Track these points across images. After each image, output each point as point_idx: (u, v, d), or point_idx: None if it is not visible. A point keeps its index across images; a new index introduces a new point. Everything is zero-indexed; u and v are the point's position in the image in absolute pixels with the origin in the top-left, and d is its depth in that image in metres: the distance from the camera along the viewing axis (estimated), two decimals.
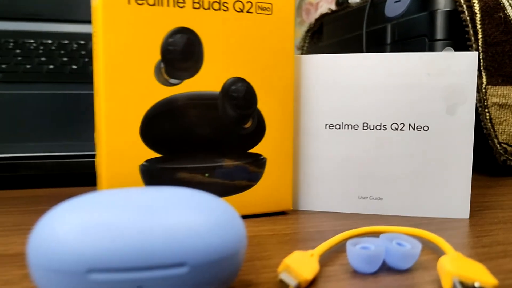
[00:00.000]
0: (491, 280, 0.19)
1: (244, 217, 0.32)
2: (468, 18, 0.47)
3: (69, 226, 0.16)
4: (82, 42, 0.62)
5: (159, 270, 0.16)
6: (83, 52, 0.60)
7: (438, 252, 0.25)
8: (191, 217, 0.17)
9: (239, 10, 0.30)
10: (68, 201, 0.18)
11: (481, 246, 0.26)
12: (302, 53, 0.75)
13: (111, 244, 0.16)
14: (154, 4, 0.28)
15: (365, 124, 0.33)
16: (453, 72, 0.32)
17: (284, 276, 0.20)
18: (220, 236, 0.17)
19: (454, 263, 0.20)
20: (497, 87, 0.48)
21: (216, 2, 0.29)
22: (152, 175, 0.29)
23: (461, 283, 0.19)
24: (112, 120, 0.28)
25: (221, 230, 0.17)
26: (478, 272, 0.19)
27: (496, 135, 0.48)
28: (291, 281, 0.20)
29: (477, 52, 0.32)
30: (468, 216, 0.32)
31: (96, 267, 0.16)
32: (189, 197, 0.18)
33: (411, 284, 0.21)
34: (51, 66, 0.55)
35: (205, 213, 0.17)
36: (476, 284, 0.18)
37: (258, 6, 0.30)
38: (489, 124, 0.48)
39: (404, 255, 0.22)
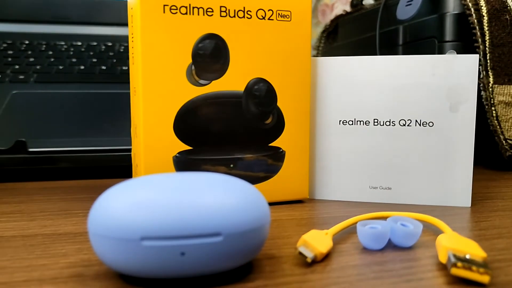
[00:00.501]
0: (481, 253, 0.22)
1: None
2: (475, 20, 0.49)
3: (125, 201, 0.20)
4: (110, 44, 0.66)
5: (198, 239, 0.19)
6: (111, 54, 0.63)
7: (438, 233, 0.28)
8: (225, 195, 0.20)
9: (261, 17, 0.33)
10: (121, 183, 0.21)
11: (478, 229, 0.29)
12: (317, 53, 0.77)
13: (159, 216, 0.19)
14: (186, 13, 0.31)
15: (375, 120, 0.36)
16: (456, 73, 0.35)
17: (302, 249, 0.23)
18: (249, 211, 0.20)
19: (450, 239, 0.23)
20: (504, 86, 0.50)
21: (240, 10, 0.32)
22: (184, 165, 0.32)
23: (455, 255, 0.22)
24: (149, 116, 0.31)
25: (249, 206, 0.20)
26: (470, 247, 0.22)
27: (502, 132, 0.50)
28: (308, 253, 0.23)
29: (478, 55, 0.34)
30: (469, 205, 0.35)
31: (148, 235, 0.19)
32: (222, 180, 0.21)
33: (413, 258, 0.24)
34: (82, 67, 0.59)
35: (236, 192, 0.21)
36: (467, 256, 0.21)
37: (279, 14, 0.33)
38: (495, 122, 0.50)
39: (407, 234, 0.25)
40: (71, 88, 0.54)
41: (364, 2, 0.68)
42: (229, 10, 0.32)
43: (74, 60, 0.60)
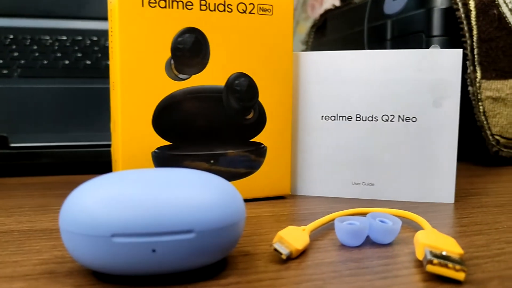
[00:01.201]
0: (458, 250, 0.22)
1: (246, 200, 0.35)
2: (463, 15, 0.49)
3: (96, 198, 0.19)
4: (95, 38, 0.65)
5: (170, 236, 0.19)
6: (96, 48, 0.63)
7: (418, 230, 0.28)
8: (198, 192, 0.20)
9: (242, 11, 0.33)
10: (94, 178, 0.21)
11: (459, 226, 0.29)
12: (307, 48, 0.77)
13: (131, 213, 0.19)
14: (165, 7, 0.31)
15: (358, 116, 0.36)
16: (440, 68, 0.34)
17: (277, 246, 0.23)
18: (222, 208, 0.20)
19: (427, 236, 0.23)
20: (491, 81, 0.50)
21: (221, 4, 0.32)
22: (163, 161, 0.32)
23: (431, 252, 0.21)
24: (128, 111, 0.31)
25: (223, 203, 0.20)
26: (447, 243, 0.22)
27: (489, 127, 0.50)
28: (283, 250, 0.23)
29: (462, 50, 0.34)
30: (453, 201, 0.35)
31: (118, 232, 0.19)
32: (196, 176, 0.21)
33: (391, 255, 0.24)
34: (67, 62, 0.58)
35: (210, 189, 0.20)
36: (444, 253, 0.21)
37: (260, 8, 0.33)
38: (483, 117, 0.50)
39: (385, 231, 0.25)
40: (55, 83, 0.54)
41: None
42: (209, 3, 0.32)
43: (58, 54, 0.60)
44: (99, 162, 0.45)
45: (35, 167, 0.46)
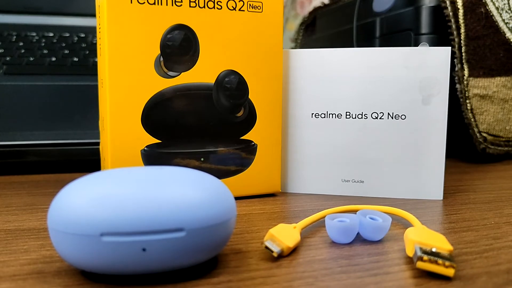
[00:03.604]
0: (447, 246, 0.22)
1: (237, 198, 0.35)
2: (451, 13, 0.49)
3: (85, 196, 0.19)
4: (82, 35, 0.64)
5: (160, 234, 0.19)
6: (83, 45, 0.62)
7: (408, 227, 0.28)
8: (188, 190, 0.20)
9: (231, 8, 0.32)
10: (82, 177, 0.21)
11: (448, 222, 0.29)
12: (296, 46, 0.77)
13: (120, 211, 0.19)
14: (154, 3, 0.30)
15: (348, 113, 0.36)
16: (428, 65, 0.34)
17: (268, 244, 0.23)
18: (212, 206, 0.20)
19: (417, 233, 0.23)
20: (478, 79, 0.50)
21: (210, 1, 0.32)
22: (152, 159, 0.32)
23: (421, 248, 0.21)
24: (116, 109, 0.30)
25: (213, 201, 0.20)
26: (437, 240, 0.22)
27: (476, 125, 0.51)
28: (274, 248, 0.22)
29: (450, 48, 0.34)
30: (441, 198, 0.35)
31: (108, 231, 0.19)
32: (186, 174, 0.21)
33: (381, 252, 0.24)
34: (53, 59, 0.58)
35: (200, 187, 0.20)
36: (433, 249, 0.21)
37: (250, 5, 0.33)
38: (470, 114, 0.50)
39: (376, 228, 0.25)
40: (42, 80, 0.53)
41: None
42: (198, 0, 0.31)
43: (45, 51, 0.59)
44: (87, 161, 0.44)
45: (22, 165, 0.45)
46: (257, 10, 0.33)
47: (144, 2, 0.30)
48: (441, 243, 0.22)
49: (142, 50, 0.30)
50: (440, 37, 0.50)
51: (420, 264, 0.21)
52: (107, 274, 0.20)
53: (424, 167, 0.35)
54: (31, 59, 0.57)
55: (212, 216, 0.20)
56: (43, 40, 0.62)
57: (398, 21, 0.53)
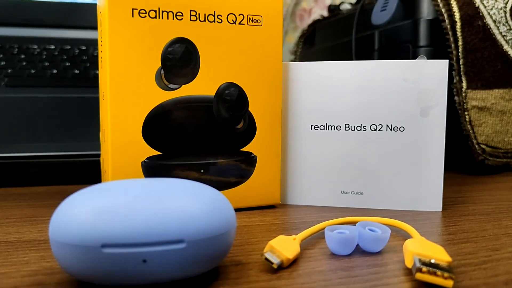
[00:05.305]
0: (446, 258, 0.22)
1: (237, 210, 0.35)
2: (448, 26, 0.50)
3: (86, 208, 0.19)
4: (84, 48, 0.65)
5: (160, 246, 0.19)
6: (84, 57, 0.63)
7: (407, 238, 0.28)
8: (188, 201, 0.20)
9: (232, 22, 0.33)
10: (84, 189, 0.21)
11: (447, 234, 0.29)
12: (295, 58, 0.77)
13: (121, 223, 0.19)
14: (155, 17, 0.31)
15: (346, 125, 0.36)
16: (426, 78, 0.35)
17: (268, 255, 0.23)
18: (213, 217, 0.20)
19: (416, 244, 0.23)
20: (477, 91, 0.51)
21: (211, 14, 0.32)
22: (153, 171, 0.32)
23: (420, 260, 0.22)
24: (117, 121, 0.31)
25: (213, 212, 0.20)
26: (436, 251, 0.22)
27: (475, 136, 0.51)
28: (274, 259, 0.23)
29: (448, 60, 0.35)
30: (440, 209, 0.35)
31: (109, 243, 0.19)
32: (187, 186, 0.21)
33: (380, 263, 0.24)
34: (55, 71, 0.58)
35: (200, 198, 0.20)
36: (432, 261, 0.22)
37: (249, 19, 0.33)
38: (469, 126, 0.51)
39: (375, 239, 0.25)
40: (43, 92, 0.53)
41: (341, 7, 0.68)
42: (199, 14, 0.32)
43: (46, 63, 0.59)
44: (88, 172, 0.45)
45: (22, 177, 0.45)
46: (256, 23, 0.34)
47: (145, 16, 0.30)
48: (440, 255, 0.22)
49: (143, 63, 0.31)
50: (438, 49, 0.51)
51: (419, 276, 0.21)
52: (107, 285, 0.20)
53: (423, 179, 0.35)
54: (33, 71, 0.57)
55: (212, 228, 0.20)
56: (45, 53, 0.62)
57: (396, 34, 0.53)
